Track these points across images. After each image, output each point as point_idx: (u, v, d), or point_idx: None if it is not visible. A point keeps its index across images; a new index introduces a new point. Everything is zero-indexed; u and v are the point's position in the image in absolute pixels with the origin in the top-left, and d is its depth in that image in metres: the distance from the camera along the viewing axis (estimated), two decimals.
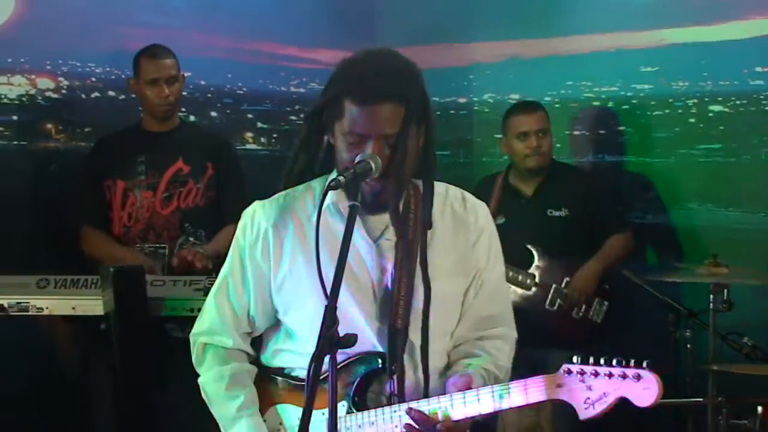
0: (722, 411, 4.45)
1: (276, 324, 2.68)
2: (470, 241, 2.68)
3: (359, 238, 2.52)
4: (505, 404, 2.37)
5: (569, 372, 2.30)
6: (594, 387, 2.27)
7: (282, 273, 2.60)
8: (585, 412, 2.28)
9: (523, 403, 2.35)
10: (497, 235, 2.76)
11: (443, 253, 2.60)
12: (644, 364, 2.24)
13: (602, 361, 2.28)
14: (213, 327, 2.70)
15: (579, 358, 2.30)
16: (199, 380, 2.71)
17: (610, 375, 2.25)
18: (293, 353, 2.63)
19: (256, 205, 2.68)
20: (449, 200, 2.70)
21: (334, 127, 2.54)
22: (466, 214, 2.70)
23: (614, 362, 2.26)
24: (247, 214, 2.69)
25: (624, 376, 2.24)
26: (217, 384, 2.66)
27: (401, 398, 2.48)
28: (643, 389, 2.23)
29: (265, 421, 2.65)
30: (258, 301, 2.65)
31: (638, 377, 2.23)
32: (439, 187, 2.67)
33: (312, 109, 2.63)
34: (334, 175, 2.58)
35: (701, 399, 4.53)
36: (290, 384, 2.63)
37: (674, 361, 4.89)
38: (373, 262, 2.56)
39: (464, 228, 2.68)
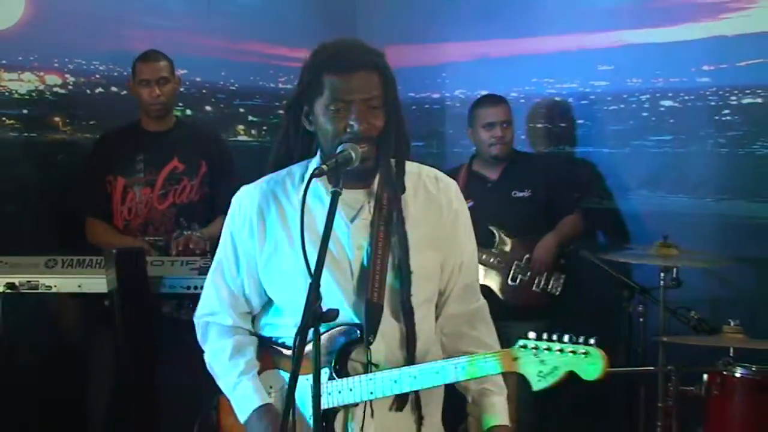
0: (671, 378, 4.46)
1: (268, 300, 2.68)
2: (445, 220, 2.69)
3: (337, 219, 2.50)
4: (467, 376, 2.42)
5: (524, 347, 2.36)
6: (546, 361, 2.33)
7: (267, 252, 2.60)
8: (538, 384, 2.35)
9: (483, 374, 2.42)
10: (468, 212, 2.78)
11: (416, 229, 2.60)
12: (591, 342, 2.29)
13: (555, 337, 2.34)
14: (213, 308, 2.70)
15: (534, 335, 2.35)
16: (205, 356, 2.72)
17: (561, 351, 2.32)
18: (280, 326, 2.65)
19: (242, 190, 2.70)
20: (422, 179, 2.70)
21: (314, 108, 2.55)
22: (439, 194, 2.70)
23: (566, 338, 2.32)
24: (235, 199, 2.70)
25: (573, 353, 2.31)
26: (220, 356, 2.66)
27: (375, 366, 2.49)
28: (590, 364, 2.28)
29: None
30: (250, 281, 2.65)
31: (586, 353, 2.29)
32: (412, 166, 2.69)
33: (289, 101, 2.66)
34: (315, 161, 2.60)
35: (652, 368, 4.55)
36: (279, 352, 2.64)
37: (628, 333, 4.93)
38: (350, 241, 2.57)
39: (437, 206, 2.68)
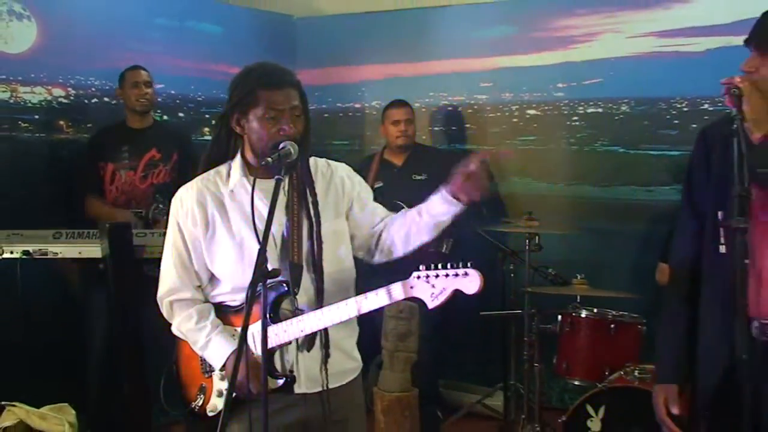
0: (534, 319, 4.55)
1: (211, 277, 2.63)
2: (340, 190, 2.68)
3: (261, 202, 2.50)
4: (375, 304, 2.41)
5: (418, 277, 2.36)
6: (436, 285, 2.33)
7: (209, 234, 2.56)
8: (431, 303, 2.34)
9: (389, 302, 2.40)
10: (354, 173, 2.78)
11: (322, 203, 2.59)
12: (469, 264, 2.31)
13: (440, 266, 2.34)
14: (172, 286, 2.63)
15: (424, 267, 2.36)
16: (173, 329, 2.65)
17: (447, 275, 2.32)
18: (221, 294, 2.62)
19: (181, 189, 2.64)
20: (319, 167, 2.69)
21: (248, 116, 2.52)
22: (333, 174, 2.70)
23: (449, 266, 2.33)
24: (176, 197, 2.64)
25: (456, 275, 2.31)
26: (188, 324, 2.59)
27: (301, 311, 2.48)
28: (470, 282, 2.29)
29: None
30: (197, 259, 2.59)
31: (466, 274, 2.30)
32: (310, 160, 2.67)
33: (223, 111, 2.60)
34: (238, 161, 2.57)
35: (520, 311, 4.63)
36: (225, 312, 2.61)
37: (502, 286, 5.00)
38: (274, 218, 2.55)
39: (332, 182, 2.68)
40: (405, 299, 2.39)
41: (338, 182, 2.70)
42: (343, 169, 2.75)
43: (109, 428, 4.55)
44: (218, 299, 2.63)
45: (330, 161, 2.75)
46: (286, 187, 2.58)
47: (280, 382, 2.49)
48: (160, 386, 2.74)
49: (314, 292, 2.53)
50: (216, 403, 2.60)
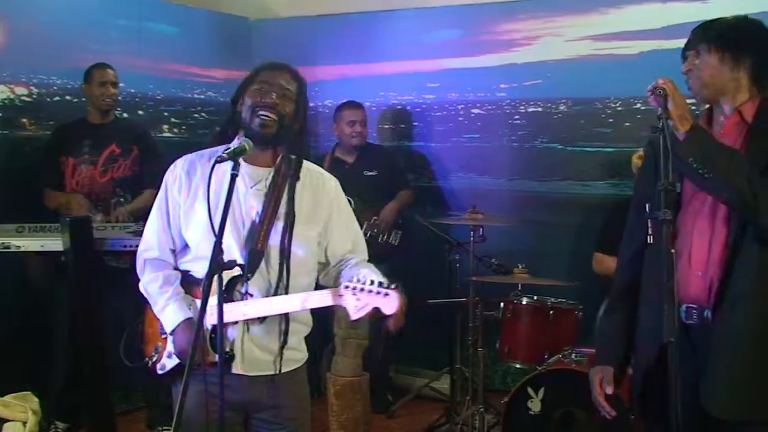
0: (478, 306, 4.57)
1: (184, 245, 2.63)
2: (324, 202, 2.67)
3: (242, 184, 2.51)
4: (308, 305, 2.47)
5: (347, 287, 2.37)
6: (360, 299, 2.35)
7: (188, 202, 2.56)
8: (354, 315, 2.37)
9: (320, 305, 2.45)
10: (344, 197, 2.80)
11: (301, 204, 2.59)
12: (393, 286, 2.34)
13: (368, 281, 2.35)
14: (148, 245, 2.64)
15: (355, 278, 2.37)
16: (140, 285, 2.65)
17: (370, 291, 2.34)
18: (189, 263, 2.61)
19: (179, 159, 2.66)
20: (310, 172, 2.69)
21: (245, 93, 2.56)
22: (321, 184, 2.70)
23: (376, 283, 2.35)
24: (174, 164, 2.65)
25: (378, 293, 2.33)
26: (153, 285, 2.60)
27: (250, 295, 2.49)
28: (388, 302, 2.32)
29: None
30: (175, 223, 2.60)
31: (386, 294, 2.33)
32: (306, 163, 2.68)
33: (233, 97, 2.64)
34: (234, 143, 2.52)
35: (465, 299, 4.65)
36: (188, 282, 2.61)
37: (448, 276, 5.02)
38: (246, 203, 2.55)
39: (318, 192, 2.67)
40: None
41: (324, 194, 2.69)
42: (333, 185, 2.75)
43: (72, 416, 4.51)
44: (185, 266, 2.63)
45: (325, 173, 2.76)
46: (269, 180, 2.57)
47: (218, 357, 2.47)
48: (121, 342, 2.75)
49: (273, 282, 2.53)
50: (166, 363, 2.62)
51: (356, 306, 2.36)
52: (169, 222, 2.61)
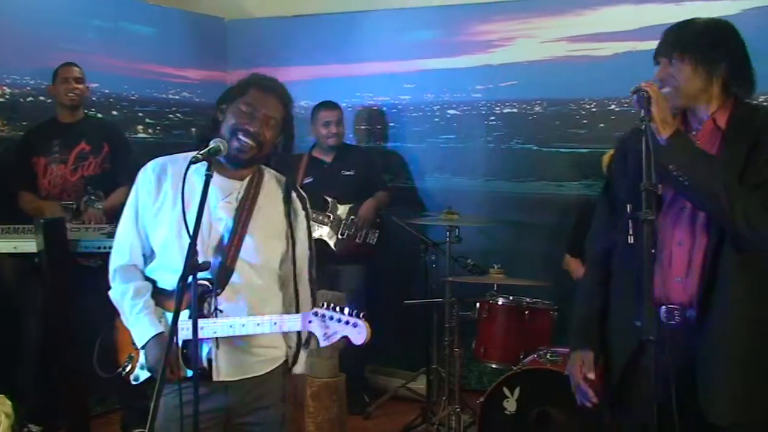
0: (454, 306, 4.55)
1: (150, 255, 2.58)
2: (291, 221, 2.62)
3: (213, 195, 2.47)
4: (279, 329, 2.44)
5: (316, 314, 2.36)
6: (330, 326, 2.34)
7: (156, 206, 2.52)
8: (324, 342, 2.36)
9: (289, 330, 2.47)
10: (304, 211, 2.70)
11: (267, 220, 2.57)
12: (361, 316, 2.32)
13: (338, 309, 2.34)
14: (120, 248, 2.58)
15: (325, 305, 2.36)
16: (111, 294, 2.59)
17: (340, 320, 2.33)
18: (157, 269, 2.56)
19: (151, 162, 2.60)
20: (282, 186, 2.65)
21: (232, 104, 2.52)
22: (291, 201, 2.64)
23: (346, 311, 2.33)
24: (146, 167, 2.60)
25: (347, 323, 2.32)
26: (125, 296, 2.54)
27: (220, 311, 2.45)
28: (358, 333, 2.31)
29: None
30: (142, 227, 2.55)
31: (355, 325, 2.32)
32: (270, 173, 2.65)
33: (219, 99, 2.60)
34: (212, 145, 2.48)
35: (441, 299, 4.64)
36: (159, 294, 2.56)
37: (424, 276, 5.01)
38: (215, 213, 2.51)
39: (285, 210, 2.62)
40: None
41: (295, 214, 2.64)
42: (302, 208, 2.68)
43: (45, 419, 4.45)
44: (152, 275, 2.58)
45: (294, 188, 2.69)
46: (241, 194, 2.55)
47: (189, 373, 2.44)
48: (94, 351, 2.69)
49: (244, 300, 2.50)
50: (139, 374, 2.58)
51: (326, 333, 2.35)
52: (137, 225, 2.57)
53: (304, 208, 2.68)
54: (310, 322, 2.36)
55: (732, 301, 2.31)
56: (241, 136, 2.48)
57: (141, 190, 2.57)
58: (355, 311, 2.33)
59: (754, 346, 2.33)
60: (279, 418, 2.64)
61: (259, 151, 2.52)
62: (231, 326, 2.43)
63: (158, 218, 2.53)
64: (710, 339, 2.32)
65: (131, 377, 2.60)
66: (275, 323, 2.42)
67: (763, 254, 2.34)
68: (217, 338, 2.47)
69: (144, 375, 2.57)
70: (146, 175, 2.58)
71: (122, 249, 2.59)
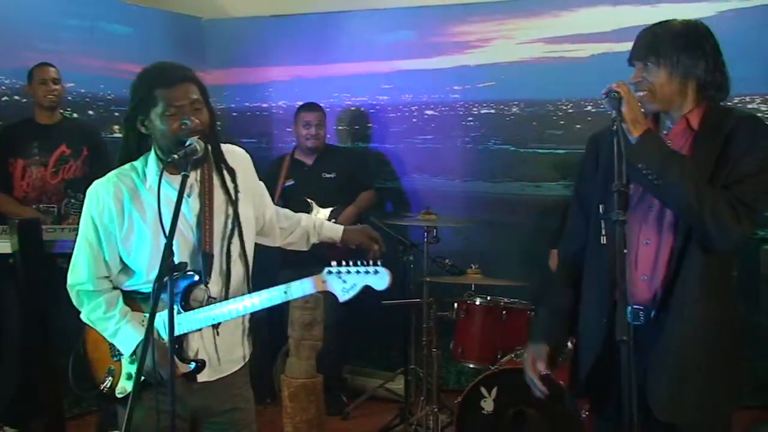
0: (432, 306, 4.55)
1: (123, 268, 2.52)
2: (249, 174, 2.64)
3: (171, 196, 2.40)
4: (290, 296, 2.40)
5: (329, 272, 2.37)
6: (347, 280, 2.36)
7: (125, 228, 2.46)
8: (343, 297, 2.36)
9: (302, 294, 2.41)
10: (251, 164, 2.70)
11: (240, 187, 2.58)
12: (379, 263, 2.34)
13: (351, 263, 2.36)
14: (81, 277, 2.51)
15: (336, 263, 2.37)
16: (82, 317, 2.55)
17: (358, 272, 2.35)
18: (135, 285, 2.52)
19: (96, 183, 2.52)
20: (234, 152, 2.63)
21: (150, 116, 2.41)
22: (246, 161, 2.65)
23: (360, 263, 2.35)
24: (91, 191, 2.51)
25: (367, 272, 2.34)
26: (96, 313, 2.50)
27: (214, 300, 2.45)
28: (380, 279, 2.33)
29: None
30: (111, 252, 2.48)
31: (376, 272, 2.33)
32: (222, 146, 2.59)
33: (126, 115, 2.50)
34: (152, 156, 2.47)
35: (419, 300, 4.61)
36: (137, 299, 2.53)
37: (403, 276, 4.98)
38: (189, 211, 2.48)
39: (246, 167, 2.64)
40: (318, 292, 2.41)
41: (250, 170, 2.66)
42: (243, 155, 2.68)
43: (22, 421, 4.40)
44: (132, 288, 2.54)
45: (234, 148, 2.66)
46: (199, 177, 2.51)
47: (192, 366, 2.45)
48: (68, 370, 2.64)
49: (224, 280, 2.49)
50: (125, 386, 2.52)
51: (344, 288, 2.36)
52: (102, 252, 2.49)
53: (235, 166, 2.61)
54: (324, 282, 2.37)
55: (692, 302, 2.33)
56: (186, 141, 2.37)
57: (98, 217, 2.48)
58: (371, 261, 2.36)
59: (711, 347, 2.35)
60: (245, 420, 2.63)
61: (206, 138, 2.43)
62: (235, 307, 2.42)
63: (131, 239, 2.47)
64: (667, 338, 2.34)
65: (116, 391, 2.54)
66: (285, 292, 2.40)
67: (727, 255, 2.37)
68: (214, 335, 2.48)
69: (131, 385, 2.50)
70: (101, 199, 2.48)
71: (82, 277, 2.52)
